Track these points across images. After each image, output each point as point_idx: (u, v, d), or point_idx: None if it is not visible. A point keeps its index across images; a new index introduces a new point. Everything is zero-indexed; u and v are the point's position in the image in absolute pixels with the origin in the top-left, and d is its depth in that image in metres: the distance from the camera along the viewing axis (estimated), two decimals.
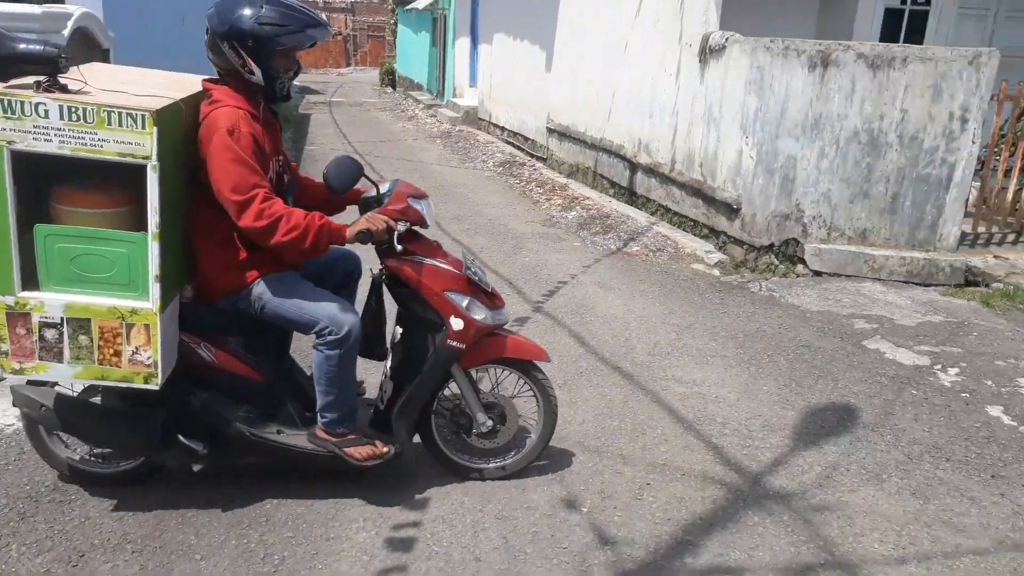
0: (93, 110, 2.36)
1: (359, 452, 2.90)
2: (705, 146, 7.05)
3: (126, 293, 2.54)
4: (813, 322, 5.06)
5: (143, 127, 2.39)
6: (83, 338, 2.54)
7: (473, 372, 3.07)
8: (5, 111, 2.34)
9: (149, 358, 2.57)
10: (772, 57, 6.09)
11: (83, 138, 2.39)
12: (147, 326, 2.54)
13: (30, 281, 2.51)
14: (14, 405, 2.85)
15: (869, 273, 5.98)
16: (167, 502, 2.90)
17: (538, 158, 11.40)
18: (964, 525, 3.00)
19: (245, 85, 2.74)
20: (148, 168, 2.43)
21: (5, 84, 2.41)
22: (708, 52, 6.96)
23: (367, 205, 2.96)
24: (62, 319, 2.52)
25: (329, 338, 2.75)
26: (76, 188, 2.51)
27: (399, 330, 3.02)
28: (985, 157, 6.61)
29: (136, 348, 2.56)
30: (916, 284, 5.90)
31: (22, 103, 2.34)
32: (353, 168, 2.80)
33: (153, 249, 2.50)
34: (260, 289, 2.77)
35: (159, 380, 2.60)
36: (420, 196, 2.95)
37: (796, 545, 2.84)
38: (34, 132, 2.36)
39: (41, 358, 2.55)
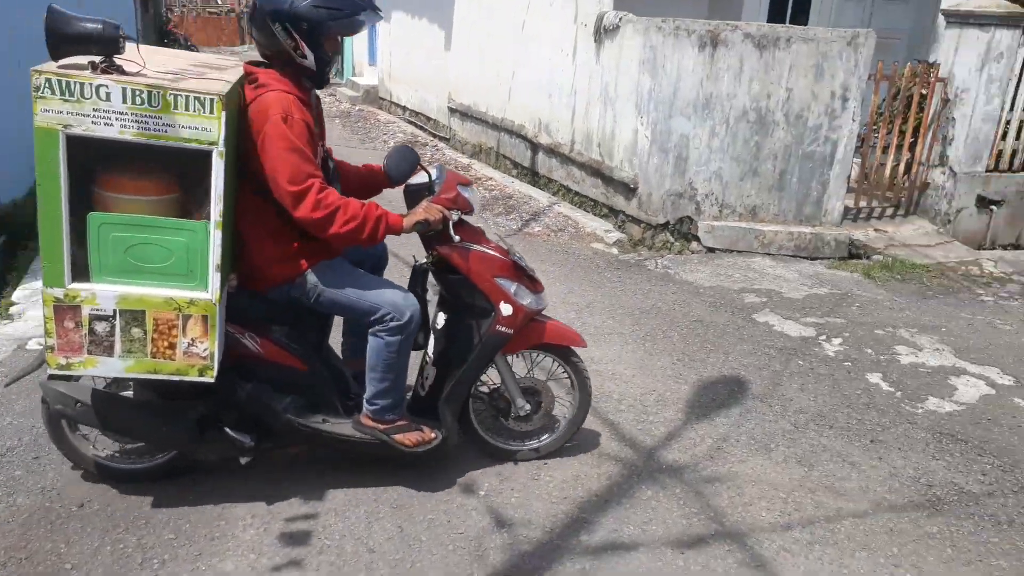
0: (158, 93, 2.25)
1: (409, 439, 2.88)
2: (603, 126, 7.10)
3: (183, 283, 2.45)
4: (706, 297, 5.19)
5: (211, 111, 2.29)
6: (136, 331, 2.44)
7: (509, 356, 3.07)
8: (63, 93, 2.20)
9: (205, 350, 2.49)
10: (664, 37, 6.17)
11: (146, 123, 2.28)
12: (205, 317, 2.46)
13: (79, 272, 2.38)
14: (44, 402, 2.71)
15: (759, 248, 6.18)
16: (36, 508, 2.71)
17: (441, 138, 11.27)
18: (845, 489, 3.13)
19: (293, 69, 2.63)
20: (214, 154, 2.34)
21: (59, 64, 2.26)
22: (603, 32, 7.00)
23: (414, 193, 2.91)
24: (115, 311, 2.41)
25: (391, 324, 2.73)
26: (122, 174, 2.38)
27: (442, 317, 3.01)
28: (865, 134, 6.91)
29: (192, 340, 2.47)
30: (804, 258, 6.13)
31: (82, 85, 2.20)
32: (412, 157, 2.83)
33: (215, 238, 2.41)
34: (315, 278, 2.71)
35: (215, 372, 2.53)
36: (466, 183, 2.94)
37: (688, 517, 2.90)
38: (94, 116, 2.24)
39: (90, 352, 2.43)
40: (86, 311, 2.38)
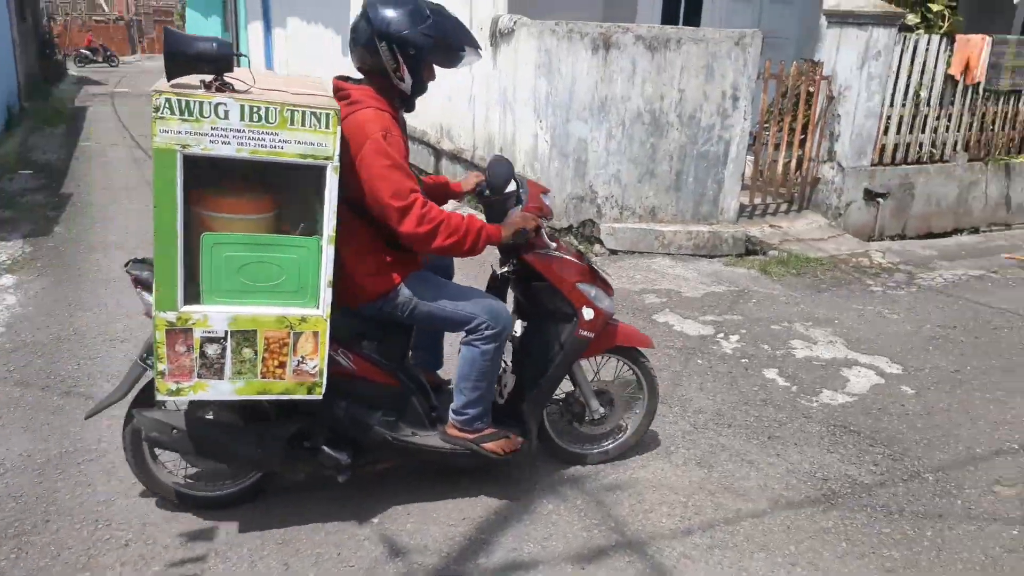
0: (276, 110, 2.24)
1: (498, 446, 2.89)
2: (503, 131, 7.05)
3: (294, 301, 2.44)
4: None
5: (327, 126, 2.29)
6: (247, 351, 2.42)
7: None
8: (182, 113, 2.18)
9: (315, 367, 2.49)
10: (558, 40, 6.15)
11: (263, 139, 2.26)
12: (315, 334, 2.45)
13: (189, 295, 2.36)
14: (138, 430, 2.64)
15: (660, 249, 6.23)
16: None
17: None
18: (744, 489, 3.13)
19: (388, 88, 2.65)
20: (328, 169, 2.33)
21: (170, 84, 2.25)
22: (499, 36, 6.94)
23: (496, 204, 2.89)
24: (226, 333, 2.38)
25: (487, 333, 2.73)
26: (221, 194, 2.36)
27: (519, 324, 3.03)
28: (757, 132, 7.08)
29: (302, 358, 2.46)
30: (703, 256, 6.22)
31: (201, 104, 2.20)
32: (510, 168, 2.87)
33: (328, 253, 2.40)
34: (408, 291, 2.71)
35: (323, 389, 2.53)
36: (546, 191, 3.01)
37: (588, 529, 2.84)
38: (211, 135, 2.22)
39: (200, 376, 2.40)
40: (198, 334, 2.36)
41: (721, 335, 4.65)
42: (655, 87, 6.15)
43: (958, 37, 6.97)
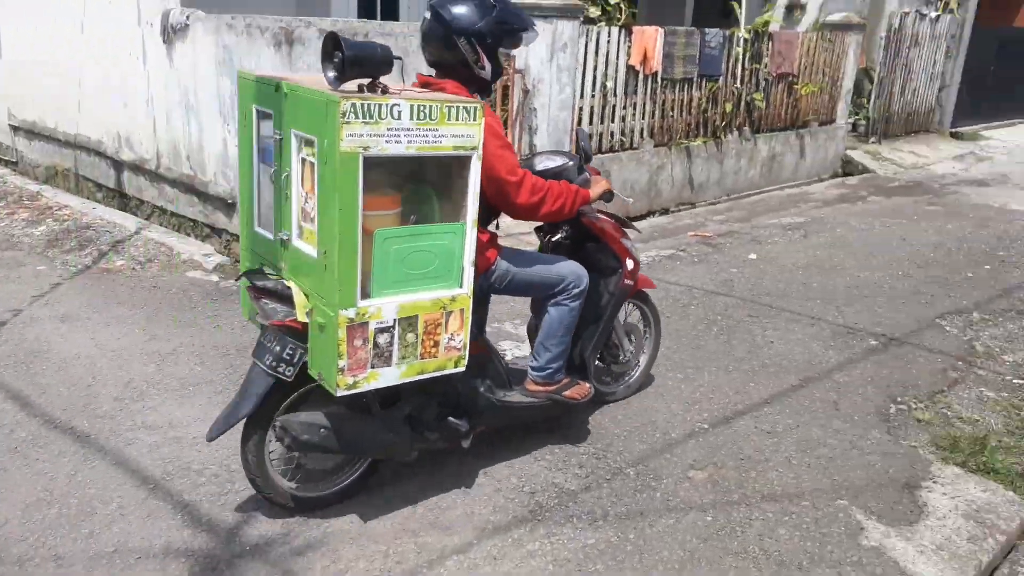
0: (437, 107, 2.40)
1: (576, 393, 3.31)
2: (189, 136, 6.32)
3: (444, 283, 2.63)
4: None
5: (475, 118, 2.49)
6: (410, 336, 2.59)
7: None
8: (364, 116, 2.27)
9: (460, 341, 2.71)
10: (237, 36, 5.59)
11: (427, 136, 2.42)
12: (462, 311, 2.68)
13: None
14: (286, 435, 2.68)
15: None
16: None
17: (7, 162, 9.42)
18: (450, 521, 2.92)
19: (468, 78, 2.85)
20: (473, 157, 2.54)
21: (336, 88, 2.36)
22: (171, 31, 6.19)
23: (555, 175, 3.16)
24: (395, 321, 2.54)
25: (574, 291, 3.13)
26: (369, 192, 2.41)
27: None
28: None
29: (452, 334, 2.68)
30: None
31: (379, 107, 2.30)
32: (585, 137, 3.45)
33: (471, 236, 2.62)
34: (505, 265, 2.99)
35: (466, 361, 2.76)
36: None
37: None
38: (387, 135, 2.35)
39: (373, 366, 2.55)
40: (372, 326, 2.49)
41: None
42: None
43: (635, 29, 7.39)
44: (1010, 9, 20.98)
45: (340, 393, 2.50)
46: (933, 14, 12.14)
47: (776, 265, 6.18)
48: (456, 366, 2.73)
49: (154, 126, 6.76)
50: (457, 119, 2.44)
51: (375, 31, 5.81)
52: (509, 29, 2.84)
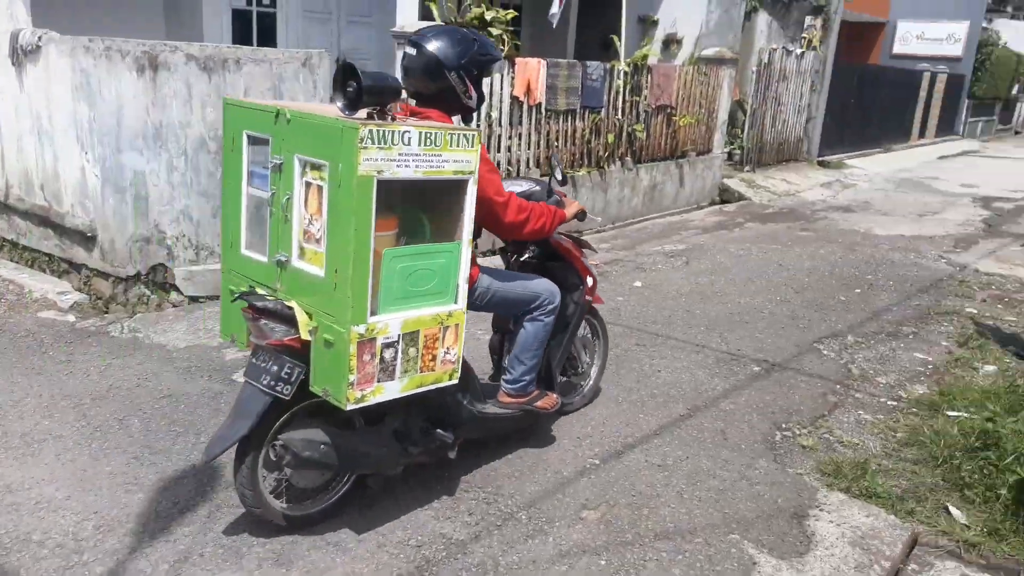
0: (441, 134, 2.58)
1: (546, 403, 3.50)
2: (43, 165, 5.82)
3: (441, 299, 2.79)
4: (180, 362, 4.43)
5: (472, 145, 2.69)
6: (412, 350, 2.73)
7: None
8: (379, 142, 2.42)
9: (455, 355, 2.88)
10: (95, 59, 5.18)
11: (431, 161, 2.58)
12: (457, 326, 2.85)
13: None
14: (287, 452, 2.75)
15: None
16: None
17: None
18: None
19: (452, 108, 3.03)
20: (470, 182, 2.73)
21: (349, 115, 2.50)
22: (22, 54, 5.71)
23: (529, 198, 3.36)
24: (399, 336, 2.67)
25: (548, 307, 3.32)
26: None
27: None
28: None
29: (447, 348, 2.84)
30: None
31: (392, 133, 2.44)
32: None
33: (466, 255, 2.79)
34: (487, 281, 3.13)
35: (459, 374, 2.93)
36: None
37: None
38: (398, 160, 2.49)
39: (379, 380, 2.67)
40: (380, 341, 2.62)
41: None
42: (217, 111, 5.48)
43: (518, 61, 7.40)
44: (864, 49, 22.60)
45: (349, 407, 2.61)
46: (798, 51, 12.84)
47: (660, 292, 6.24)
48: (450, 379, 2.89)
49: (2, 153, 6.21)
50: (458, 145, 2.63)
51: (247, 56, 5.54)
52: (488, 60, 3.03)
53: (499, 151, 7.45)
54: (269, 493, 2.85)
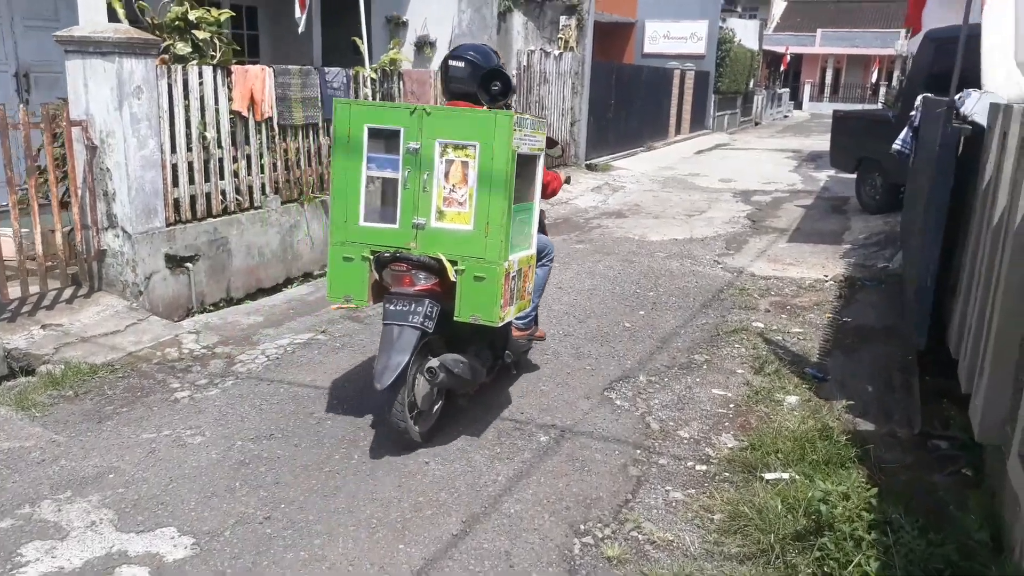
0: (537, 122, 3.63)
1: (540, 334, 4.66)
2: None
3: (526, 245, 3.71)
4: None
5: (543, 129, 3.72)
6: (518, 283, 3.62)
7: None
8: (517, 127, 3.38)
9: (530, 289, 3.85)
10: None
11: (531, 141, 3.54)
12: (531, 266, 3.80)
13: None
14: (442, 371, 3.53)
15: None
16: None
17: None
18: None
19: (476, 101, 3.80)
20: (540, 156, 3.71)
21: (492, 107, 3.60)
22: None
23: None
24: (519, 271, 3.61)
25: (551, 255, 4.31)
26: None
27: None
28: (24, 196, 5.16)
29: (526, 284, 3.74)
30: None
31: (521, 119, 3.42)
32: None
33: (536, 212, 3.77)
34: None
35: (531, 304, 4.07)
36: None
37: None
38: (522, 139, 3.44)
39: (508, 304, 3.54)
40: (512, 274, 3.52)
41: None
42: None
43: (236, 69, 6.10)
44: (617, 49, 23.22)
45: (499, 325, 3.53)
46: (556, 52, 12.48)
47: None
48: (526, 307, 3.88)
49: None
50: (540, 131, 3.66)
51: None
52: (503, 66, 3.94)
53: (221, 178, 6.11)
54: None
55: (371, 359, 4.80)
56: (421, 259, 3.48)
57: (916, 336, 4.19)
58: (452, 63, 3.86)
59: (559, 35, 13.29)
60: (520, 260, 3.58)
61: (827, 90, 45.16)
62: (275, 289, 6.62)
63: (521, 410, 4.20)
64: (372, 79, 7.56)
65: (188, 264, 5.82)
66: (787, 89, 40.10)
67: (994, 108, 3.86)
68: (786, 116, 37.05)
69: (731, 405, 4.37)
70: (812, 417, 4.07)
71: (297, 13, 7.35)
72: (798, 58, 42.54)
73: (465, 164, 3.39)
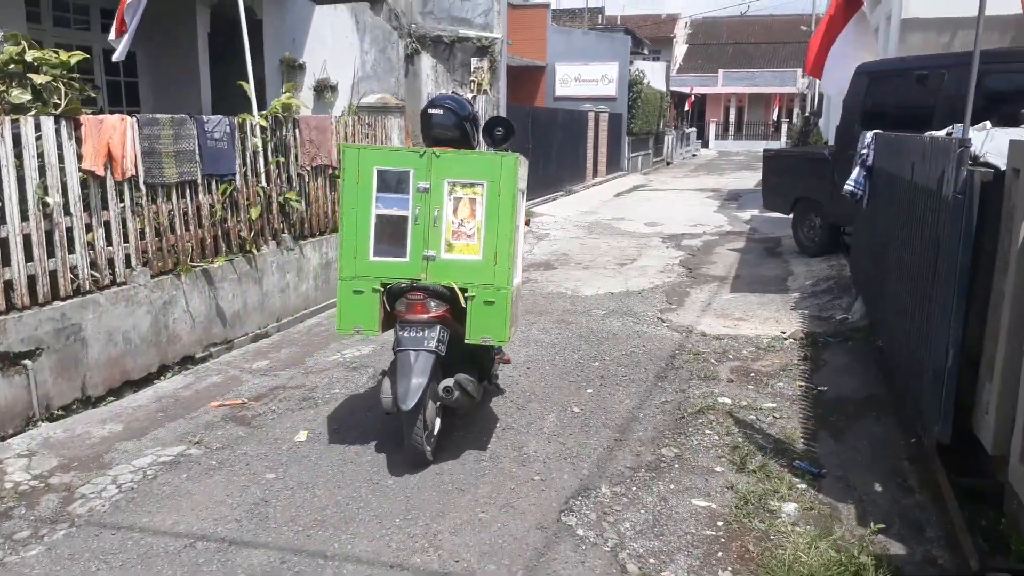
0: (525, 161, 4.16)
1: (508, 358, 4.94)
2: None
3: (517, 274, 4.05)
4: None
5: (526, 167, 4.20)
6: (517, 306, 4.18)
7: None
8: (520, 166, 3.92)
9: (517, 314, 4.35)
10: None
11: (523, 178, 4.11)
12: (518, 291, 4.36)
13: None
14: (458, 389, 3.88)
15: None
16: None
17: None
18: None
19: (461, 146, 4.25)
20: (524, 191, 4.17)
21: (494, 149, 4.14)
22: None
23: None
24: (517, 295, 4.13)
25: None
26: None
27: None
28: None
29: (519, 307, 4.27)
30: None
31: (520, 160, 3.93)
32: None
33: (522, 240, 4.25)
34: None
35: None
36: None
37: None
38: (521, 179, 3.99)
39: (513, 324, 3.97)
40: (514, 297, 3.98)
41: None
42: None
43: (87, 119, 4.98)
44: (529, 92, 22.79)
45: (506, 344, 4.08)
46: (469, 95, 11.70)
47: (336, 454, 4.21)
48: (517, 327, 4.28)
49: None
50: (525, 170, 4.15)
51: None
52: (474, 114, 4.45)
53: (71, 251, 4.95)
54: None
55: (263, 487, 3.74)
56: (435, 288, 3.82)
57: (939, 427, 3.44)
58: (433, 111, 4.21)
59: (471, 78, 12.57)
60: (517, 285, 3.98)
61: (731, 128, 46.29)
62: (146, 380, 5.45)
63: (456, 555, 3.21)
64: (262, 127, 6.54)
65: (26, 361, 4.61)
66: (694, 128, 40.81)
67: (1017, 147, 3.18)
68: (694, 155, 37.57)
69: (719, 523, 3.49)
70: (824, 538, 3.23)
71: (112, 36, 6.18)
72: (702, 98, 43.48)
73: (473, 200, 3.81)
